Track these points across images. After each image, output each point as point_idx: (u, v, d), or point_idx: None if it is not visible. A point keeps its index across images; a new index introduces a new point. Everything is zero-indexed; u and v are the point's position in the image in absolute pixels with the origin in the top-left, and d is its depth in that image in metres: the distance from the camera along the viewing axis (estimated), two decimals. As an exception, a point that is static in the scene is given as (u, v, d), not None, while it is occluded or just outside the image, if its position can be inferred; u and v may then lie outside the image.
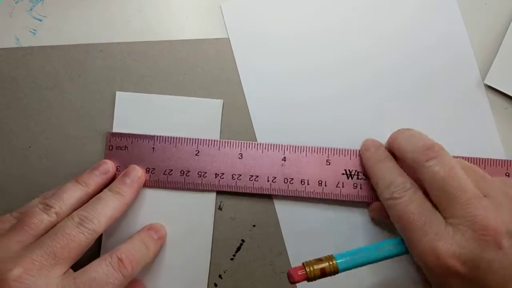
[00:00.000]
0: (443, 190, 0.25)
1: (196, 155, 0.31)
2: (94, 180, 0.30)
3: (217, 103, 0.32)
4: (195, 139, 0.31)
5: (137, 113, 0.32)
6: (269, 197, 0.31)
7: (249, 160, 0.31)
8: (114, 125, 0.32)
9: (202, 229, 0.31)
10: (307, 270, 0.25)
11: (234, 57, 0.32)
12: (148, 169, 0.31)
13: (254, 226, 0.31)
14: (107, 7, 0.33)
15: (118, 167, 0.31)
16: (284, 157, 0.31)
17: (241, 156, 0.31)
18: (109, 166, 0.31)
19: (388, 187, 0.27)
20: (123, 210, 0.29)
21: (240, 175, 0.31)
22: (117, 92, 0.32)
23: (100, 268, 0.26)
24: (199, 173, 0.31)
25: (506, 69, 0.32)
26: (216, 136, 0.32)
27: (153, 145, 0.31)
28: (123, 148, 0.31)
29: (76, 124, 0.32)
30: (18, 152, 0.32)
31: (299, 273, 0.24)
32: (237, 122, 0.32)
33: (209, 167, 0.31)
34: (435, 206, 0.25)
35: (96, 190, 0.30)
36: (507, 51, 0.32)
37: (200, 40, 0.33)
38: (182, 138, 0.31)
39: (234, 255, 0.31)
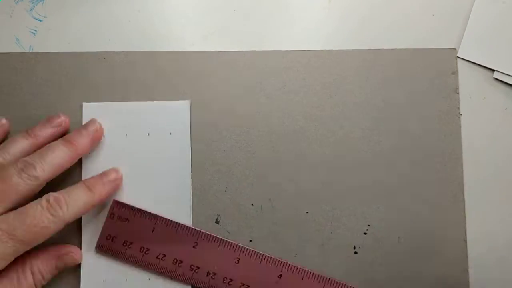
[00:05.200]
0: None
1: (194, 247, 0.30)
2: (45, 131, 0.30)
3: (185, 104, 0.32)
4: (197, 230, 0.30)
5: (106, 122, 0.32)
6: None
7: (245, 266, 0.30)
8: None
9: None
10: None
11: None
12: (142, 248, 0.30)
13: (250, 241, 0.31)
14: (107, 8, 0.33)
15: (113, 238, 0.30)
16: (280, 275, 0.30)
17: (238, 261, 0.30)
18: (63, 119, 0.31)
19: None
20: (72, 161, 0.29)
21: (232, 280, 0.30)
22: (84, 104, 0.32)
23: (30, 207, 0.26)
24: (192, 267, 0.30)
25: (478, 41, 0.32)
26: (187, 137, 0.32)
27: (154, 224, 0.31)
28: (124, 220, 0.31)
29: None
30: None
31: None
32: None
33: (204, 263, 0.30)
34: None
35: (46, 142, 0.29)
36: (477, 23, 0.33)
37: (207, 53, 0.33)
38: (183, 225, 0.30)
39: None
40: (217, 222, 0.31)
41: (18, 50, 0.33)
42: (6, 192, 0.26)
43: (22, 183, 0.27)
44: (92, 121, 0.31)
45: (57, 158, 0.28)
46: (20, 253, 0.26)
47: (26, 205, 0.27)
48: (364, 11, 0.34)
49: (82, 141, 0.30)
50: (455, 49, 0.33)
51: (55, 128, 0.30)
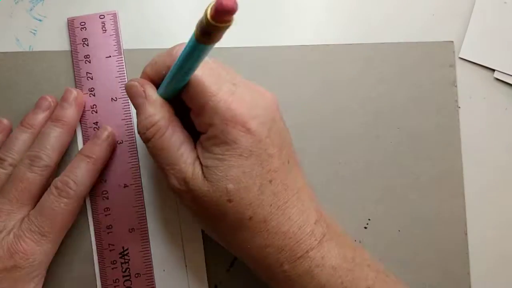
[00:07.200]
0: None
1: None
2: (38, 120, 0.30)
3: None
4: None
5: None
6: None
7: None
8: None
9: None
10: None
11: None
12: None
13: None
14: (106, 8, 0.33)
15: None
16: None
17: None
18: (50, 100, 0.31)
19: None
20: (70, 136, 0.30)
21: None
22: None
23: (44, 200, 0.28)
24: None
25: (478, 40, 0.33)
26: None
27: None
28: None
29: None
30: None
31: None
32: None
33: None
34: None
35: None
36: (478, 23, 0.33)
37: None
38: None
39: (230, 266, 0.31)
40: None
41: (18, 50, 0.33)
42: (28, 189, 0.28)
43: (37, 177, 0.28)
44: (68, 90, 0.31)
45: (56, 139, 0.29)
46: (59, 242, 0.28)
47: (41, 200, 0.28)
48: (362, 4, 0.34)
49: (68, 113, 0.30)
50: (452, 42, 0.33)
51: (46, 112, 0.31)
